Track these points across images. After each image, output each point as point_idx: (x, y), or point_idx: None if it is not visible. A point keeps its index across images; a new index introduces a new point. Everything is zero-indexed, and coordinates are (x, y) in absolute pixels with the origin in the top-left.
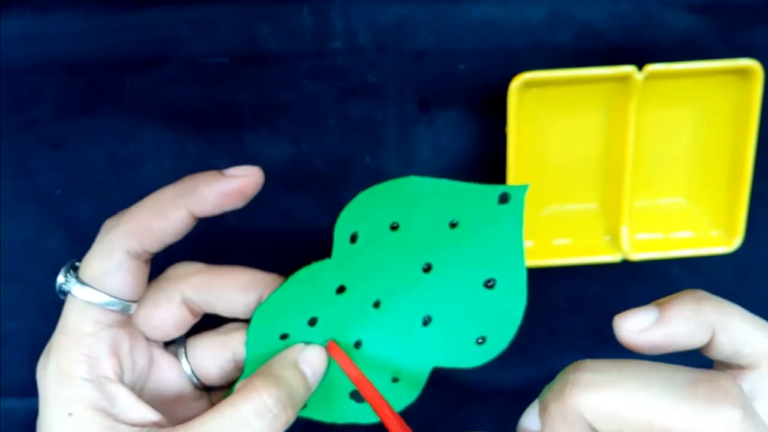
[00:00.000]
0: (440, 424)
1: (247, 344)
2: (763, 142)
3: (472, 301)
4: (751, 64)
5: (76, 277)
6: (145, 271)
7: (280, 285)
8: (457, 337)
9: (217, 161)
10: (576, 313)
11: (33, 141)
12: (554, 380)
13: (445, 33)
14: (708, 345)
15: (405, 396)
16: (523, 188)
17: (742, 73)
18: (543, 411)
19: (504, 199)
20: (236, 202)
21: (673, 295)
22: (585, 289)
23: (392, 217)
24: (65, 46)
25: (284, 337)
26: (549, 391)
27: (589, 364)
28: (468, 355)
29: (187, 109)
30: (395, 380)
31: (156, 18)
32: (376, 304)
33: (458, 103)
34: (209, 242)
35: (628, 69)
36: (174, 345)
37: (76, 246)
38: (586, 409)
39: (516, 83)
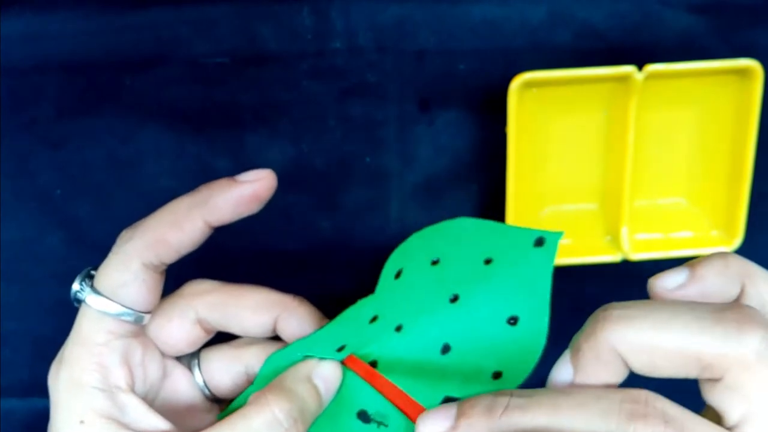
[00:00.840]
0: None
1: (267, 361)
2: (763, 142)
3: (493, 336)
4: (751, 64)
5: (91, 286)
6: (160, 282)
7: (325, 325)
8: (473, 368)
9: (217, 161)
10: (576, 313)
11: (33, 141)
12: (584, 325)
13: (445, 33)
14: (738, 298)
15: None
16: (559, 234)
17: (742, 73)
18: (575, 354)
19: (540, 242)
20: (252, 208)
21: (702, 257)
22: (585, 289)
23: (435, 254)
24: (65, 46)
25: (306, 357)
26: (580, 334)
27: (616, 304)
28: (483, 386)
29: (187, 109)
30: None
31: (156, 18)
32: (398, 328)
33: (458, 103)
34: (209, 242)
35: (628, 69)
36: (188, 356)
37: (76, 246)
38: (619, 342)
39: (516, 83)
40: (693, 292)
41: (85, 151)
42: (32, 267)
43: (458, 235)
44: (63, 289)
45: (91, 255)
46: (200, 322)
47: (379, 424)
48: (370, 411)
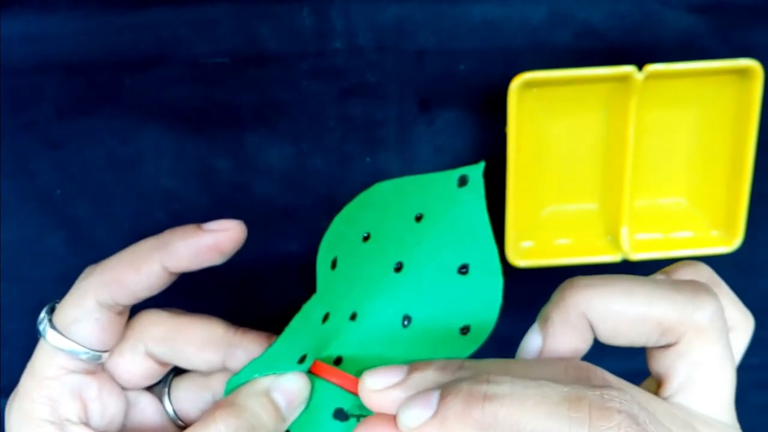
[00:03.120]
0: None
1: (227, 385)
2: (763, 142)
3: (448, 291)
4: (751, 64)
5: (50, 320)
6: (118, 322)
7: (272, 343)
8: (440, 331)
9: (217, 161)
10: None
11: (33, 141)
12: (551, 296)
13: (445, 33)
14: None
15: None
16: (479, 167)
17: (742, 73)
18: (544, 322)
19: (463, 181)
20: (214, 259)
21: (676, 264)
22: None
23: (364, 229)
24: (65, 46)
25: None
26: (548, 304)
27: (582, 276)
28: (454, 347)
29: (187, 109)
30: None
31: (156, 18)
32: (353, 317)
33: (458, 103)
34: None
35: (628, 69)
36: (159, 385)
37: (76, 246)
38: (587, 307)
39: (516, 83)
40: None
41: (85, 151)
42: (32, 267)
43: (380, 201)
44: (63, 289)
45: (91, 255)
46: (151, 356)
47: (359, 416)
48: (347, 407)
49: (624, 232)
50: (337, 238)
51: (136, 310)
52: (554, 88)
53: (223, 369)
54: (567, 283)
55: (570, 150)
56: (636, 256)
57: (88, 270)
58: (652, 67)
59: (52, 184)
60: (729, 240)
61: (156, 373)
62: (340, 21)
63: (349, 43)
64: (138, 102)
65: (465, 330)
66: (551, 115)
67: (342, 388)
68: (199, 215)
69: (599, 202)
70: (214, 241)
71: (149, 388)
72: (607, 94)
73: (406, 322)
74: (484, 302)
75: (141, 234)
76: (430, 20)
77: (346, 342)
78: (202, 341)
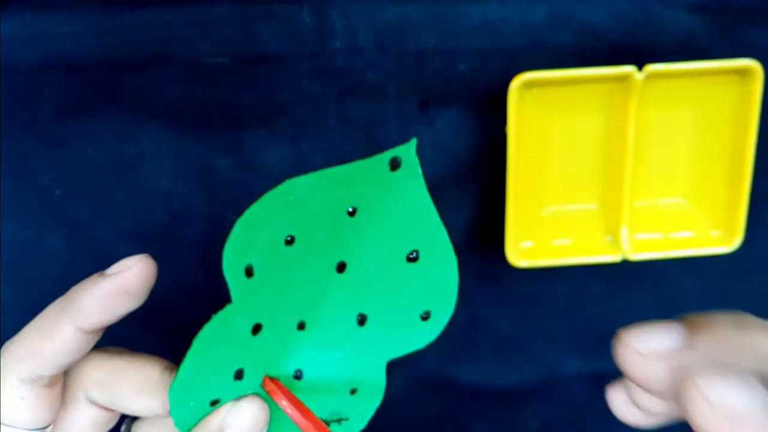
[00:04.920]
0: (440, 424)
1: (177, 426)
2: (763, 142)
3: (400, 281)
4: (751, 64)
5: None
6: (50, 395)
7: (184, 358)
8: (399, 322)
9: (217, 161)
10: (576, 313)
11: (33, 141)
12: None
13: (445, 33)
14: None
15: (369, 403)
16: (411, 145)
17: (742, 73)
18: None
19: (395, 164)
20: (125, 304)
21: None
22: (585, 289)
23: (283, 232)
24: (65, 46)
25: (214, 403)
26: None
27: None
28: (417, 334)
29: (187, 109)
30: (353, 392)
31: (156, 18)
32: (301, 326)
33: (458, 103)
34: (208, 242)
35: (628, 69)
36: (124, 426)
37: (76, 246)
38: None
39: (516, 83)
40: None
41: (85, 151)
42: (32, 267)
43: (297, 201)
44: (63, 289)
45: (91, 255)
46: (93, 403)
47: (340, 420)
48: (324, 416)
49: (624, 232)
50: (247, 244)
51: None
52: (554, 88)
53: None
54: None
55: (570, 150)
56: (636, 256)
57: (4, 346)
58: (652, 67)
59: (52, 184)
60: (729, 240)
61: (105, 419)
62: (340, 21)
63: (349, 43)
64: (138, 102)
65: (426, 316)
66: (551, 115)
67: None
68: (199, 215)
69: (599, 202)
70: (117, 285)
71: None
72: (607, 94)
73: (361, 321)
74: (441, 285)
75: (141, 234)
76: (430, 20)
77: (301, 353)
78: (138, 386)
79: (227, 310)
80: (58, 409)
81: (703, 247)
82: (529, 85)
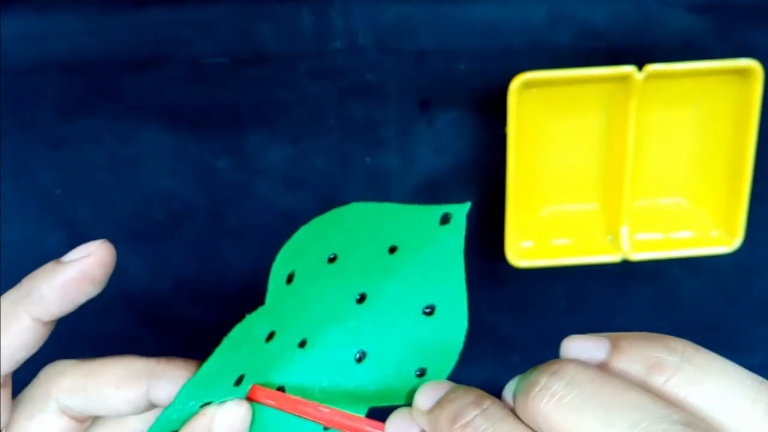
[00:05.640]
0: None
1: (156, 422)
2: (763, 142)
3: (410, 331)
4: (751, 64)
5: None
6: (3, 396)
7: (211, 356)
8: (394, 371)
9: (217, 161)
10: (576, 313)
11: (33, 141)
12: (532, 370)
13: (445, 33)
14: None
15: None
16: (464, 207)
17: (742, 73)
18: (515, 392)
19: (445, 219)
20: (86, 291)
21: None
22: (585, 289)
23: (331, 249)
24: (65, 46)
25: (205, 405)
26: (521, 381)
27: (569, 369)
28: (407, 389)
29: (187, 109)
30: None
31: (156, 18)
32: (302, 344)
33: (458, 103)
34: (208, 242)
35: (628, 69)
36: None
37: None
38: (539, 420)
39: (516, 83)
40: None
41: (85, 151)
42: (32, 267)
43: (354, 223)
44: None
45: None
46: (65, 411)
47: None
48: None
49: (624, 232)
50: (299, 252)
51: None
52: (554, 88)
53: (150, 407)
54: (545, 375)
55: (570, 150)
56: (636, 256)
57: None
58: (652, 67)
59: (52, 184)
60: (729, 240)
61: (75, 431)
62: (340, 21)
63: (349, 43)
64: (138, 102)
65: (421, 373)
66: (551, 115)
67: (284, 410)
68: (199, 215)
69: (599, 202)
70: (79, 272)
71: None
72: (607, 94)
73: (359, 357)
74: (446, 346)
75: (141, 234)
76: (430, 20)
77: (291, 370)
78: (118, 379)
79: (259, 312)
80: (7, 416)
81: (703, 247)
82: (529, 85)
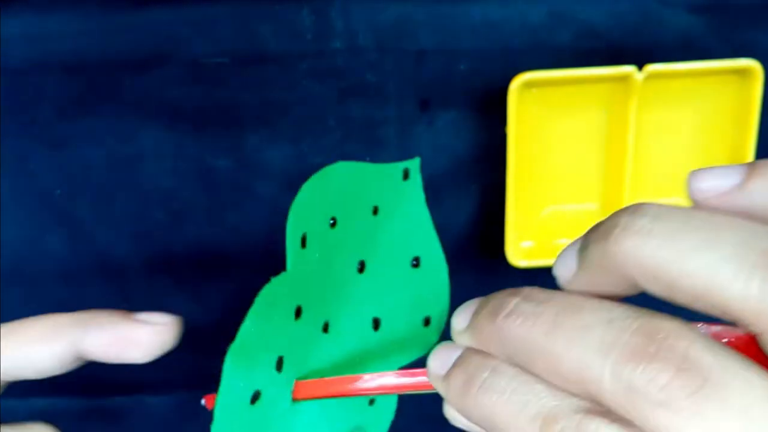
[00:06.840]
0: (440, 424)
1: (217, 409)
2: (763, 142)
3: (407, 286)
4: (751, 64)
5: None
6: None
7: (246, 319)
8: (406, 327)
9: (217, 161)
10: None
11: (33, 141)
12: (607, 217)
13: (445, 33)
14: None
15: (387, 413)
16: (415, 161)
17: (742, 73)
18: (583, 249)
19: (406, 174)
20: (134, 355)
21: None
22: None
23: (330, 211)
24: (65, 46)
25: (256, 397)
26: (595, 229)
27: (650, 208)
28: (420, 341)
29: (187, 109)
30: (372, 402)
31: (156, 18)
32: (325, 327)
33: (458, 103)
34: (208, 242)
35: (628, 69)
36: None
37: (76, 246)
38: (628, 262)
39: (516, 83)
40: (738, 206)
41: (85, 151)
42: (32, 267)
43: (344, 183)
44: (63, 289)
45: (91, 255)
46: None
47: None
48: (345, 429)
49: None
50: (306, 211)
51: None
52: (554, 88)
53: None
54: (626, 215)
55: (570, 150)
56: None
57: None
58: (652, 67)
59: (52, 184)
60: None
61: None
62: (340, 21)
63: (349, 43)
64: (138, 102)
65: (427, 321)
66: (551, 115)
67: (339, 395)
68: (199, 215)
69: (599, 202)
70: (147, 336)
71: None
72: (607, 94)
73: (376, 326)
74: (437, 291)
75: (141, 234)
76: (430, 20)
77: (322, 357)
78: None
79: (283, 277)
80: None
81: None
82: (529, 85)
